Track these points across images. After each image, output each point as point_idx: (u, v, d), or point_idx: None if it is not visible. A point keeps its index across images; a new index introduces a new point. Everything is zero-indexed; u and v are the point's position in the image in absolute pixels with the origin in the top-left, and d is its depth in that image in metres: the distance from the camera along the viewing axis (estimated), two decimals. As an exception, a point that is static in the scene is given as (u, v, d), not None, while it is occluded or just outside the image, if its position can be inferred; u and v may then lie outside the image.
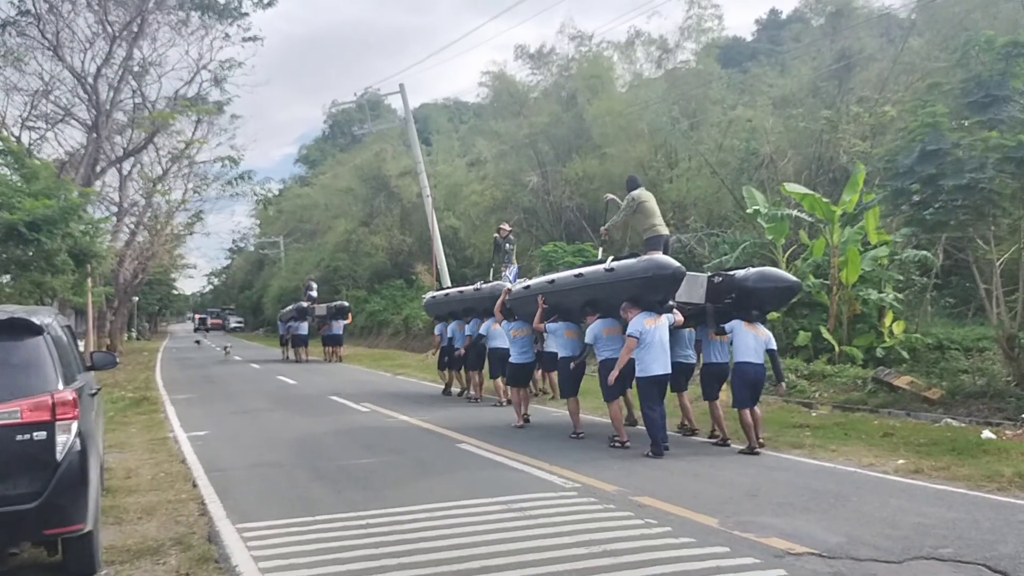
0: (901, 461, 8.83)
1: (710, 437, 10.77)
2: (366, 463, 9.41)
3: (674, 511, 6.69)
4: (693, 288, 10.43)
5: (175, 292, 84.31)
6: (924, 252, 17.03)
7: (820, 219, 17.43)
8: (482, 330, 15.16)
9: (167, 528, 6.85)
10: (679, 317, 10.20)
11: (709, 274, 11.13)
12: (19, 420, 4.99)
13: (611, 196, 13.78)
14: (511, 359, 13.06)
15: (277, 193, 74.91)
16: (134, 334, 63.14)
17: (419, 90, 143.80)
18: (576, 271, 11.76)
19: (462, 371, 17.22)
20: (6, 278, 16.21)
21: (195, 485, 8.46)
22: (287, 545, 6.07)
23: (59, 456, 5.10)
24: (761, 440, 9.90)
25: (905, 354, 15.71)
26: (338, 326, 30.31)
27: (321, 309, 30.58)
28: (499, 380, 15.13)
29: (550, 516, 6.63)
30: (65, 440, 5.14)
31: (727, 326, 10.07)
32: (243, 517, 6.95)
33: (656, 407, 9.72)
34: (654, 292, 9.79)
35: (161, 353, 41.09)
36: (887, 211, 15.37)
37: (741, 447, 9.86)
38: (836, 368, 15.66)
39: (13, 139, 22.94)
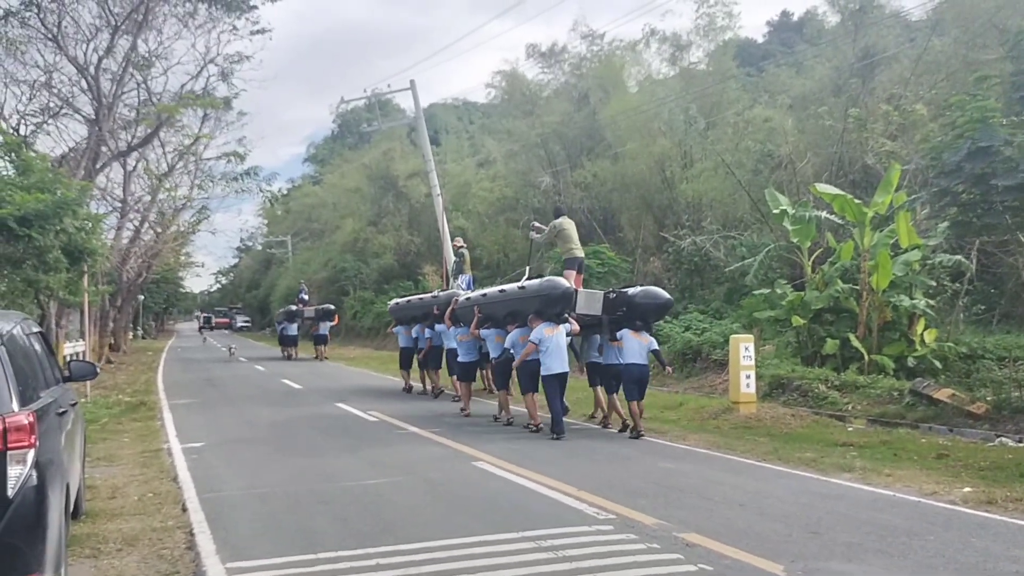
0: (967, 489, 7.96)
1: (602, 424, 13.03)
2: (374, 484, 8.55)
3: (728, 552, 5.82)
4: (591, 302, 12.62)
5: (183, 290, 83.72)
6: (958, 257, 16.20)
7: (850, 221, 16.57)
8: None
9: (148, 564, 6.02)
10: (575, 326, 12.50)
11: (606, 290, 13.40)
12: (-38, 450, 4.17)
13: (536, 223, 15.89)
14: (458, 358, 15.31)
15: (285, 192, 74.32)
16: (139, 333, 62.45)
17: (427, 90, 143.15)
18: (500, 288, 14.59)
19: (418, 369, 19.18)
20: (-3, 276, 15.40)
21: (184, 509, 7.61)
22: (284, 592, 5.22)
23: (11, 492, 4.24)
24: (640, 430, 11.78)
25: (937, 363, 14.90)
26: (324, 327, 33.62)
27: (309, 311, 33.77)
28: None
29: (588, 558, 5.74)
30: (19, 473, 4.29)
31: (619, 333, 12.11)
32: (235, 553, 6.08)
33: (557, 398, 11.87)
34: (551, 306, 12.10)
35: (165, 353, 40.44)
36: (932, 212, 14.51)
37: (628, 434, 11.83)
38: (869, 379, 14.79)
39: (11, 131, 22.19)
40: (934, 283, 16.35)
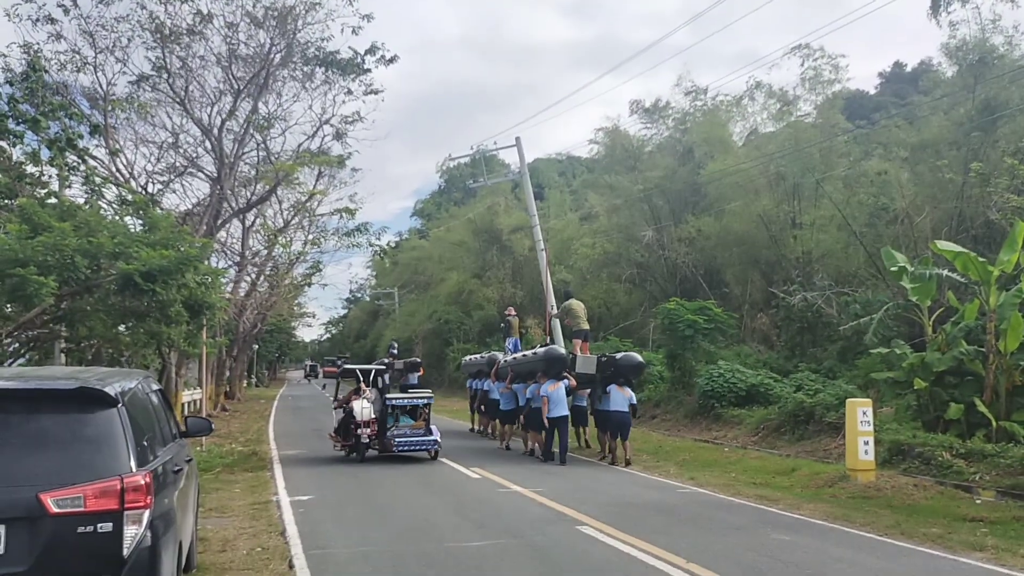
0: (1117, 576, 7.32)
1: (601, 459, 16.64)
2: (478, 546, 8.46)
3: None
4: (588, 364, 16.92)
5: (294, 340, 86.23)
6: (1094, 317, 15.12)
7: (974, 280, 15.75)
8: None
9: (255, 623, 6.08)
10: (573, 382, 16.55)
11: (599, 355, 17.76)
12: (82, 509, 4.28)
13: (551, 310, 22.83)
14: (500, 407, 19.50)
15: (394, 245, 76.11)
16: (253, 380, 64.52)
17: (530, 145, 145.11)
18: (524, 352, 19.73)
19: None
20: (122, 328, 16.12)
21: (291, 567, 7.68)
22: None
23: (126, 552, 4.35)
24: (629, 459, 15.82)
25: (1073, 431, 13.86)
26: (413, 377, 37.15)
27: (399, 364, 35.54)
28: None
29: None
30: (134, 533, 4.40)
31: (608, 388, 16.07)
32: (339, 616, 6.09)
33: (564, 435, 16.29)
34: (553, 367, 16.54)
35: (277, 401, 41.61)
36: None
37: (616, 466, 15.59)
38: (997, 447, 13.86)
39: (140, 190, 23.44)
40: (1068, 345, 15.32)
